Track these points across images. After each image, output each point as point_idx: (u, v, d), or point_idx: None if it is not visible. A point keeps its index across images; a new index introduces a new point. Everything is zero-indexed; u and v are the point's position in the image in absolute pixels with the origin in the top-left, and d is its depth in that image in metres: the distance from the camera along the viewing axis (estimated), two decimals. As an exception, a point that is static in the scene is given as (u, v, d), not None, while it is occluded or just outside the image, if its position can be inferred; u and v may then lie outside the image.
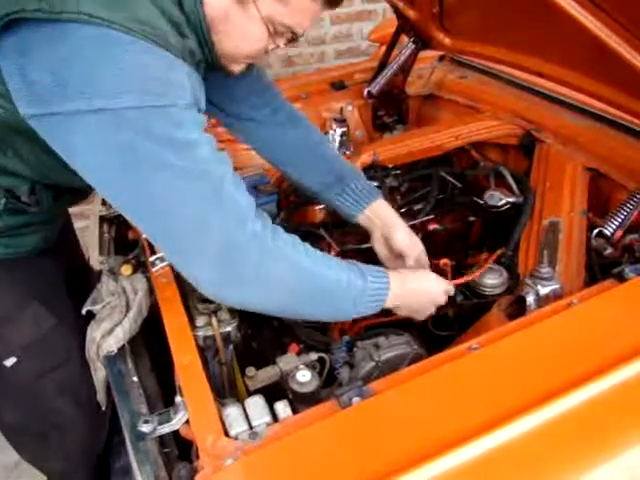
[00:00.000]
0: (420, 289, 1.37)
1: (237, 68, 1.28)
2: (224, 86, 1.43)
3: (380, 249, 1.55)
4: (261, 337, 1.53)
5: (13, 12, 0.95)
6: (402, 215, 1.76)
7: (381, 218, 1.53)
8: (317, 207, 1.87)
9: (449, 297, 1.44)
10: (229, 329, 1.32)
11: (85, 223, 2.91)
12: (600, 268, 1.41)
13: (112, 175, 1.03)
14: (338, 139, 2.03)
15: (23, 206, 1.33)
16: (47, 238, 1.50)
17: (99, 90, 0.96)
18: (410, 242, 1.50)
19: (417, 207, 1.87)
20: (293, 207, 1.84)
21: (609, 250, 1.37)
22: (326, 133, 2.07)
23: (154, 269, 1.44)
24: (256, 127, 1.57)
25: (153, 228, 1.08)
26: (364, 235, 1.66)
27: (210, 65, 1.24)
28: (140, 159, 1.00)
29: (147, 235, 1.14)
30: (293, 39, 1.22)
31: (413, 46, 2.23)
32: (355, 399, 1.00)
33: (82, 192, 1.47)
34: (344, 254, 1.63)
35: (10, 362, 1.49)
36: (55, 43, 0.96)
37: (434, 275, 1.41)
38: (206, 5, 1.11)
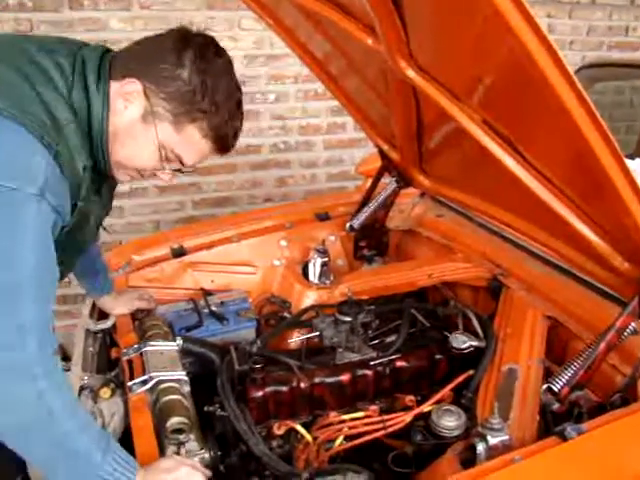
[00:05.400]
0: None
1: (124, 177, 1.44)
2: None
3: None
4: (229, 461, 1.59)
5: None
6: (373, 347, 1.87)
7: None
8: (293, 337, 1.98)
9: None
10: (196, 459, 1.39)
11: (71, 321, 2.97)
12: (552, 417, 1.50)
13: None
14: (319, 269, 2.15)
15: None
16: None
17: None
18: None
19: (389, 340, 1.97)
20: (270, 334, 1.94)
21: (556, 405, 1.46)
22: (308, 262, 2.20)
23: (131, 393, 1.52)
24: None
25: None
26: (334, 369, 1.76)
27: (100, 172, 1.38)
28: None
29: None
30: (180, 170, 1.42)
31: (395, 184, 2.38)
32: None
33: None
34: (313, 387, 1.72)
35: None
36: None
37: (186, 469, 1.28)
38: (114, 115, 1.30)
